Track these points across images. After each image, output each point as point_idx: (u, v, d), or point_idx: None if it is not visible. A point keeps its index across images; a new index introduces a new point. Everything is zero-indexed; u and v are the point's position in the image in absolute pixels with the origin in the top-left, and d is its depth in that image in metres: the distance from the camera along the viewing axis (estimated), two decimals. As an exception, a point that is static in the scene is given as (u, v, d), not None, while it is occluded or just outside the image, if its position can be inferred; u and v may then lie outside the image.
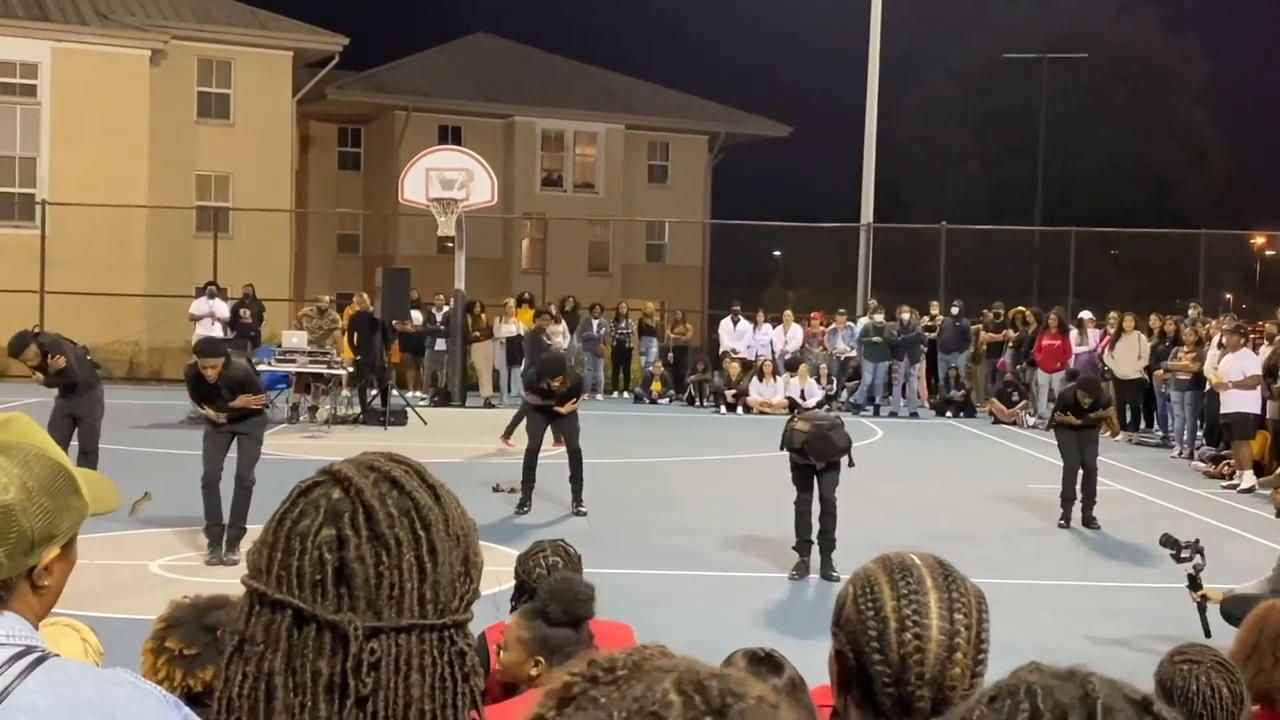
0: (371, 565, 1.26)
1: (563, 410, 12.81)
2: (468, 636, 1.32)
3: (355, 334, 20.78)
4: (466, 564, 1.33)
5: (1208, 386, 17.81)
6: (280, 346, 20.24)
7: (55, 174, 29.64)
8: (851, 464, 10.58)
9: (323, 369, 19.51)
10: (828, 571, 10.42)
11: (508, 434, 17.12)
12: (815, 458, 10.28)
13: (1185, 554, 6.89)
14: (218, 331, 21.48)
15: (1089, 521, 13.05)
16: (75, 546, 1.90)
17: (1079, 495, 13.14)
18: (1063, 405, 13.31)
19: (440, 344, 24.26)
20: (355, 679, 1.24)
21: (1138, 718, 1.09)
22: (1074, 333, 22.23)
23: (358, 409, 20.15)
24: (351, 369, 20.06)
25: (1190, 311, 21.72)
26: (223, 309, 23.11)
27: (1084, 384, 13.29)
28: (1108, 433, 18.56)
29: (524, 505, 12.84)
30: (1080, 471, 13.11)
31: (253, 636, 1.28)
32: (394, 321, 21.65)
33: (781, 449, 10.64)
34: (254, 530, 10.53)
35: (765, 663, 2.98)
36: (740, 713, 1.01)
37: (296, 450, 16.62)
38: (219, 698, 1.28)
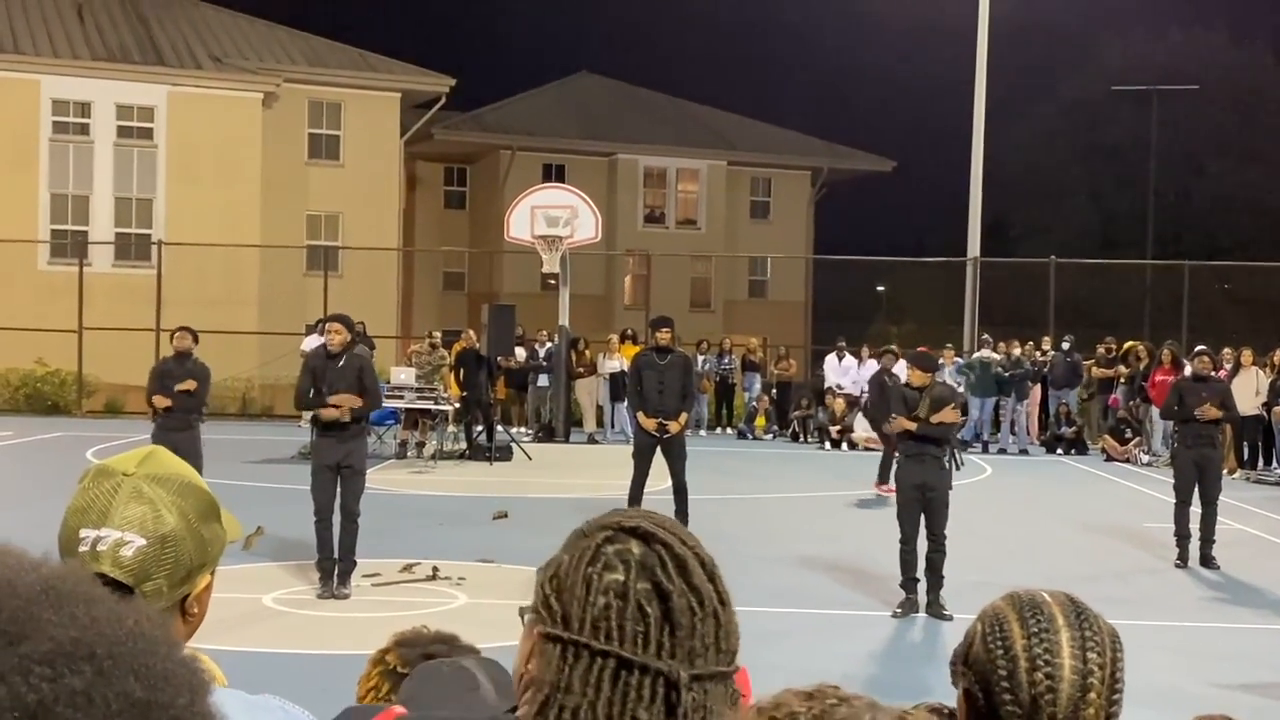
0: (688, 615, 1.31)
1: (674, 429, 12.74)
2: (734, 682, 1.37)
3: (462, 370, 20.99)
4: (734, 611, 1.39)
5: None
6: (389, 383, 20.49)
7: (171, 214, 30.44)
8: (960, 464, 10.50)
9: (430, 405, 19.71)
10: (937, 609, 10.26)
11: (882, 480, 16.86)
12: (931, 406, 10.18)
13: None
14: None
15: (1207, 561, 12.68)
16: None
17: (1195, 533, 12.79)
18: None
19: (544, 380, 24.40)
20: None
21: None
22: (1188, 368, 21.73)
23: (464, 445, 20.33)
24: (457, 405, 20.26)
25: None
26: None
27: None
28: (1226, 470, 18.10)
29: (629, 541, 12.77)
30: (1193, 507, 12.76)
31: (569, 686, 1.30)
32: (499, 357, 21.82)
33: (892, 457, 10.57)
34: (365, 564, 10.65)
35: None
36: None
37: (404, 485, 16.80)
38: None
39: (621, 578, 1.31)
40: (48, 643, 0.84)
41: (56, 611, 0.87)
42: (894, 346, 22.96)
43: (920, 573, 10.39)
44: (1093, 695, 1.78)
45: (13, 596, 0.86)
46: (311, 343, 23.53)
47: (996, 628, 1.85)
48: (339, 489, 10.50)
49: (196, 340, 12.42)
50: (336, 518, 10.47)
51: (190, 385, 12.06)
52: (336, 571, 10.44)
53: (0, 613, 0.85)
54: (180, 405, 12.05)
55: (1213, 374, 13.52)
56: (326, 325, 10.74)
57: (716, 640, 1.32)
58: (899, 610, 10.36)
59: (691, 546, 1.35)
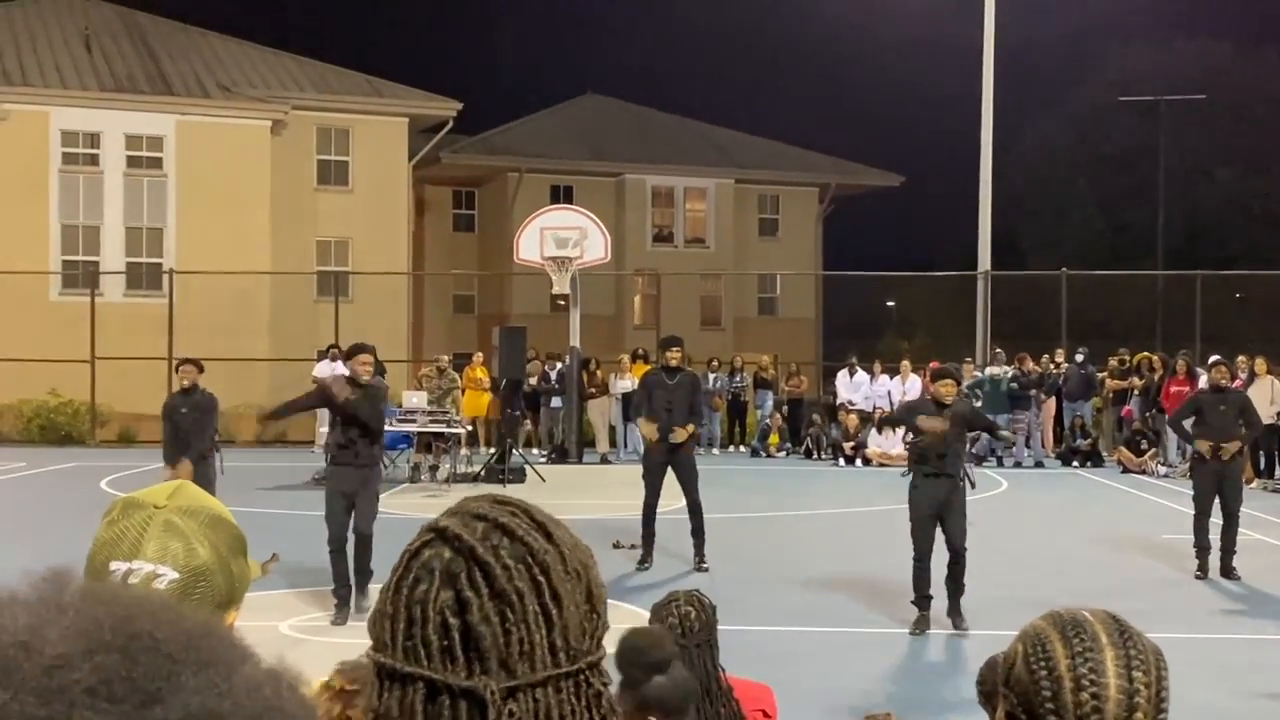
0: (497, 624, 1.20)
1: (680, 437, 12.66)
2: (602, 675, 1.25)
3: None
4: (590, 599, 1.26)
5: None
6: (400, 407, 20.48)
7: (181, 243, 30.49)
8: (973, 484, 10.43)
9: (442, 428, 19.71)
10: (957, 621, 10.16)
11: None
12: (951, 420, 10.13)
13: None
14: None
15: (1229, 572, 12.59)
16: None
17: (1214, 544, 12.69)
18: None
19: (556, 401, 24.37)
20: None
21: None
22: (1202, 378, 21.64)
23: (477, 467, 20.34)
24: (470, 428, 20.37)
25: None
26: (345, 371, 23.49)
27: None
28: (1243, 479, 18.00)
29: (644, 561, 12.74)
30: (1212, 518, 12.66)
31: (388, 712, 1.21)
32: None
33: (910, 464, 10.51)
34: (380, 579, 10.60)
35: None
36: None
37: (418, 509, 16.74)
38: None
39: (425, 590, 1.22)
40: (179, 709, 0.79)
41: (195, 675, 0.81)
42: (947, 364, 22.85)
43: (935, 589, 10.30)
44: (1139, 715, 1.74)
45: (154, 652, 0.81)
46: (323, 369, 23.61)
47: (1039, 648, 1.80)
48: (352, 514, 10.54)
49: (201, 369, 12.48)
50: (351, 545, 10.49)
51: (187, 470, 12.07)
52: (354, 585, 10.46)
53: (137, 667, 0.79)
54: (193, 442, 12.12)
55: (1230, 384, 13.41)
56: (357, 356, 10.96)
57: (550, 642, 1.20)
58: (915, 629, 10.28)
59: (519, 536, 1.24)
